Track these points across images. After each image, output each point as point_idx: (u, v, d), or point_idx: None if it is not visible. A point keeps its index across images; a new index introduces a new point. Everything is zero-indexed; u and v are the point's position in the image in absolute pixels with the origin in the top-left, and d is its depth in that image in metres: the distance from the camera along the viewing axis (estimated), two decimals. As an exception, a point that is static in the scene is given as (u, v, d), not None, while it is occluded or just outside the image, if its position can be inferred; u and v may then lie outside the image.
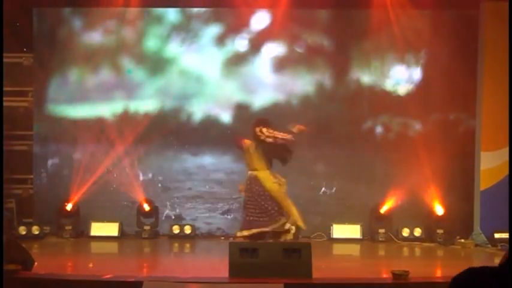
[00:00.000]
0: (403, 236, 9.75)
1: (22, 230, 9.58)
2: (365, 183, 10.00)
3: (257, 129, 8.51)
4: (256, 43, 10.18)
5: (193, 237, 9.85)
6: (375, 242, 9.68)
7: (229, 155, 10.32)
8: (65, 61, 10.23)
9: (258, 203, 8.49)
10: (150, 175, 10.31)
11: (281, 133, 8.44)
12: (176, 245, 9.58)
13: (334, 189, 10.21)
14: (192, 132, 10.20)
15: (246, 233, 8.44)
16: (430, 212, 9.86)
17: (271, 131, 8.46)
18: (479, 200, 9.67)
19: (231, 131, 9.96)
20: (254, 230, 8.42)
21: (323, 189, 10.25)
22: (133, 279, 6.32)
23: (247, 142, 8.60)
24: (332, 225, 9.78)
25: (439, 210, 9.80)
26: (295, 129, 8.36)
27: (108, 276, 6.42)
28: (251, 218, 8.48)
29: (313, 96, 10.28)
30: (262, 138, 8.46)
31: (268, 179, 8.55)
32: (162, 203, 10.23)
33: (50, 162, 10.24)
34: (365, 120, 10.21)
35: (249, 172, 8.64)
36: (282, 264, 6.39)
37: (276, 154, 8.59)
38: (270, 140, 8.46)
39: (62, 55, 10.22)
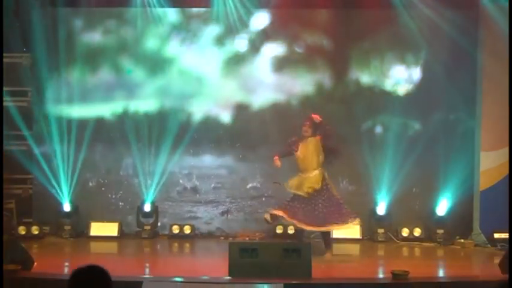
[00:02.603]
0: (402, 236, 9.75)
1: (22, 230, 9.57)
2: (365, 183, 10.00)
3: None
4: (256, 43, 10.18)
5: (193, 237, 9.85)
6: (374, 242, 9.68)
7: (229, 154, 10.33)
8: (65, 61, 10.23)
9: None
10: (149, 175, 10.30)
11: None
12: (176, 244, 9.58)
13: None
14: (192, 132, 10.19)
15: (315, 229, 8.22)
16: (430, 212, 9.87)
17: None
18: (479, 200, 9.67)
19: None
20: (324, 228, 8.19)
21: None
22: (133, 279, 6.33)
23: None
24: (332, 225, 9.77)
25: (439, 210, 9.81)
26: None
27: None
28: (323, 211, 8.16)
29: (313, 96, 10.28)
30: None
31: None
32: (162, 203, 10.23)
33: (49, 162, 10.22)
34: (365, 120, 10.21)
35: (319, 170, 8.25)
36: (282, 264, 6.40)
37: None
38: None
39: (62, 55, 10.21)
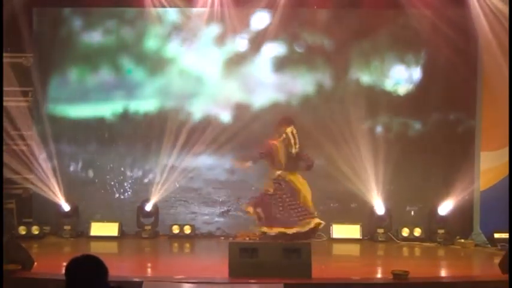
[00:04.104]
0: (403, 236, 9.75)
1: (22, 230, 9.58)
2: (365, 183, 9.99)
3: (288, 129, 9.07)
4: (256, 43, 10.18)
5: (193, 237, 9.85)
6: (374, 242, 9.67)
7: (229, 155, 10.32)
8: (65, 61, 10.24)
9: (286, 203, 9.00)
10: (149, 175, 10.30)
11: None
12: (176, 245, 9.59)
13: (334, 189, 10.19)
14: (192, 132, 10.19)
15: (268, 230, 8.92)
16: (430, 212, 9.87)
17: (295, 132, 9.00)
18: (479, 200, 9.67)
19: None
20: (276, 229, 8.86)
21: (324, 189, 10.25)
22: (133, 279, 6.33)
23: (275, 143, 9.11)
24: (332, 225, 9.77)
25: (438, 210, 9.80)
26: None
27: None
28: (277, 215, 8.93)
29: (313, 96, 10.29)
30: (287, 139, 9.01)
31: (298, 180, 9.12)
32: (162, 202, 10.23)
33: (49, 162, 10.22)
34: (365, 120, 10.21)
35: (278, 172, 9.12)
36: (282, 264, 6.41)
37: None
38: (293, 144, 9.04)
39: (62, 55, 10.23)
